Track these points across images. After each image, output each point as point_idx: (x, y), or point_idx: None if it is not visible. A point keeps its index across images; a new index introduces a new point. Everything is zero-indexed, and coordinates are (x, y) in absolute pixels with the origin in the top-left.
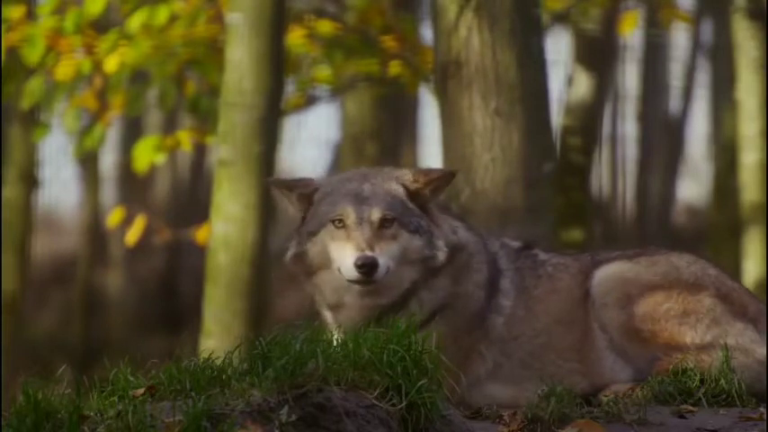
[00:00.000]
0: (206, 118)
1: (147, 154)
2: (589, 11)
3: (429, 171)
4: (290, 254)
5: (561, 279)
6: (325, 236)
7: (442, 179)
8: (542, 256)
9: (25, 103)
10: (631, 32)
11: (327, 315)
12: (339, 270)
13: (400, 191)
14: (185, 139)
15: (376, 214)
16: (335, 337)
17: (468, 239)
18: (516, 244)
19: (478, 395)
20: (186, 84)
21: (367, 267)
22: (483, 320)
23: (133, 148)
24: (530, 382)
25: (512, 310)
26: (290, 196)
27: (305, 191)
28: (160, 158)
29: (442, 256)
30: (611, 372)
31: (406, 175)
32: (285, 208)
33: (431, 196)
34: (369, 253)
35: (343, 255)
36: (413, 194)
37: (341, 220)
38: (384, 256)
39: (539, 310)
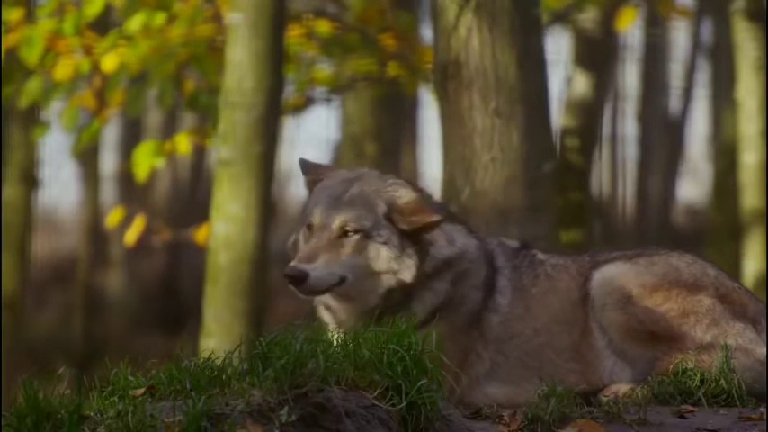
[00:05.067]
0: (205, 116)
1: (147, 160)
2: (587, 7)
3: (416, 213)
4: (291, 240)
5: (560, 279)
6: (301, 235)
7: (424, 228)
8: (540, 256)
9: (23, 103)
10: (629, 27)
11: (324, 314)
12: None
13: (381, 206)
14: (184, 142)
15: (337, 222)
16: (331, 335)
17: (467, 246)
18: (515, 243)
19: (477, 395)
20: (185, 82)
21: (291, 279)
22: (479, 320)
23: (133, 149)
24: (528, 381)
25: (509, 308)
26: (305, 180)
27: (311, 180)
28: (160, 163)
29: (409, 275)
30: (610, 373)
31: (398, 199)
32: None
33: (410, 231)
34: (301, 265)
35: None
36: (390, 217)
37: (311, 224)
38: (325, 268)
39: (537, 309)
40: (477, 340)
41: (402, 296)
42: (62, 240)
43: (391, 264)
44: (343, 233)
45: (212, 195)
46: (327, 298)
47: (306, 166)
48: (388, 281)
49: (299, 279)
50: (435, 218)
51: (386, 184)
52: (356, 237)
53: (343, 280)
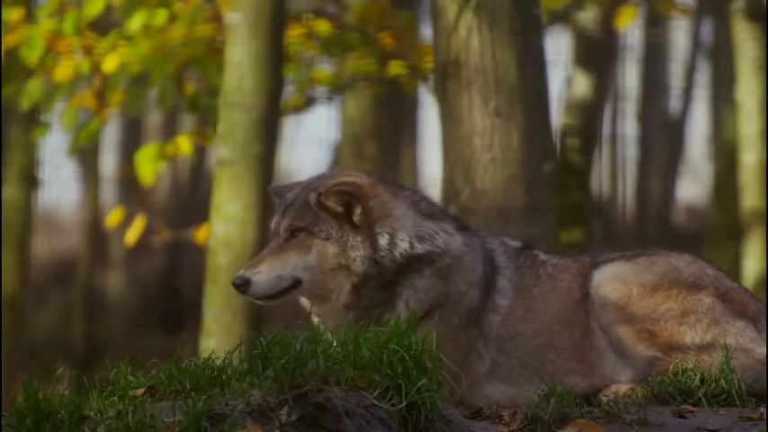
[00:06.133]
0: (205, 117)
1: (149, 164)
2: (587, 5)
3: (331, 189)
4: None
5: (562, 279)
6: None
7: (340, 195)
8: (542, 256)
9: (24, 104)
10: (629, 27)
11: (315, 320)
12: None
13: (312, 197)
14: (185, 143)
15: (284, 225)
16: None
17: (450, 242)
18: (517, 243)
19: (477, 395)
20: (185, 83)
21: (236, 287)
22: (478, 319)
23: (133, 149)
24: (529, 382)
25: (509, 308)
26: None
27: (278, 201)
28: (162, 166)
29: (357, 267)
30: (611, 372)
31: (322, 187)
32: None
33: (344, 210)
34: (245, 273)
35: None
36: (323, 206)
37: (271, 235)
38: (271, 272)
39: (538, 309)
40: (477, 340)
41: (380, 294)
42: (62, 240)
43: (339, 259)
44: (291, 235)
45: (212, 195)
46: (308, 303)
47: (274, 190)
48: (348, 277)
49: (242, 286)
50: (352, 178)
51: (327, 177)
52: (302, 236)
53: (298, 281)
